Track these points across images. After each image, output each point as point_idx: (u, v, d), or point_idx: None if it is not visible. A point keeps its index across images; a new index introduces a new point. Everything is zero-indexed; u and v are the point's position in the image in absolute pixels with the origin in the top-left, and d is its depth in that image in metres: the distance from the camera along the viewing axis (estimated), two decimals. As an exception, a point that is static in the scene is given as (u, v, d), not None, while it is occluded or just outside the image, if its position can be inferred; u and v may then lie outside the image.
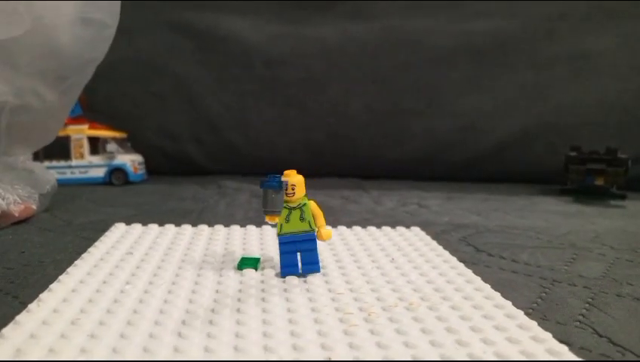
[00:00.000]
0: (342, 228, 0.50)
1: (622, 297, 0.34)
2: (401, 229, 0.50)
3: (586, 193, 0.85)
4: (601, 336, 0.27)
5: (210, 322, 0.26)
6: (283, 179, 0.33)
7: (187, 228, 0.48)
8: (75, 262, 0.36)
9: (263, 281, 0.34)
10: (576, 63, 1.02)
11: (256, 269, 0.36)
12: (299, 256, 0.35)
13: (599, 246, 0.48)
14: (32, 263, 0.38)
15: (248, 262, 0.36)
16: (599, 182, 0.83)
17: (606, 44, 1.01)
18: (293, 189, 0.34)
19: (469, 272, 0.37)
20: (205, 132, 1.06)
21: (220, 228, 0.48)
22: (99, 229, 0.49)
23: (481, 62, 1.04)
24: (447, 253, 0.42)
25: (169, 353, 0.23)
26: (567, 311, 0.31)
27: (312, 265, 0.35)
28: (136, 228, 0.47)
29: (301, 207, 0.35)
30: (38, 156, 0.84)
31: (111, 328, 0.25)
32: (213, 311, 0.28)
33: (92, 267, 0.35)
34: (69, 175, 0.85)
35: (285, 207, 0.34)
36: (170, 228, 0.48)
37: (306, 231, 0.35)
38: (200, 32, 1.06)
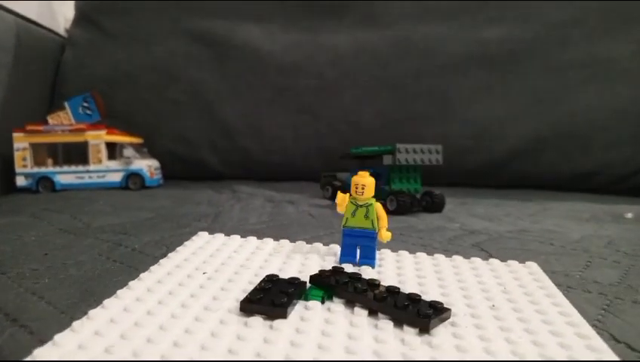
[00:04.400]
0: (440, 257, 0.41)
1: (638, 304, 0.34)
2: (513, 264, 0.40)
3: None
4: (618, 342, 0.28)
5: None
6: (354, 179, 0.38)
7: (269, 242, 0.45)
8: (151, 268, 0.36)
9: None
10: (589, 70, 1.01)
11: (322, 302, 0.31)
12: (358, 250, 0.39)
13: (613, 252, 0.48)
14: (55, 265, 0.39)
15: (318, 293, 0.31)
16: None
17: (620, 50, 1.01)
18: (362, 189, 0.38)
19: (596, 338, 0.27)
20: (220, 138, 1.07)
21: (301, 244, 0.45)
22: (117, 232, 0.51)
23: (493, 68, 1.04)
24: (566, 302, 0.33)
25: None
26: (582, 316, 0.31)
27: (368, 260, 0.38)
28: (219, 238, 0.46)
29: (367, 206, 0.38)
30: (57, 161, 0.86)
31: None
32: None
33: (165, 274, 0.35)
34: (87, 179, 0.87)
35: (353, 203, 0.38)
36: (251, 240, 0.45)
37: (367, 229, 0.38)
38: (215, 40, 1.08)
